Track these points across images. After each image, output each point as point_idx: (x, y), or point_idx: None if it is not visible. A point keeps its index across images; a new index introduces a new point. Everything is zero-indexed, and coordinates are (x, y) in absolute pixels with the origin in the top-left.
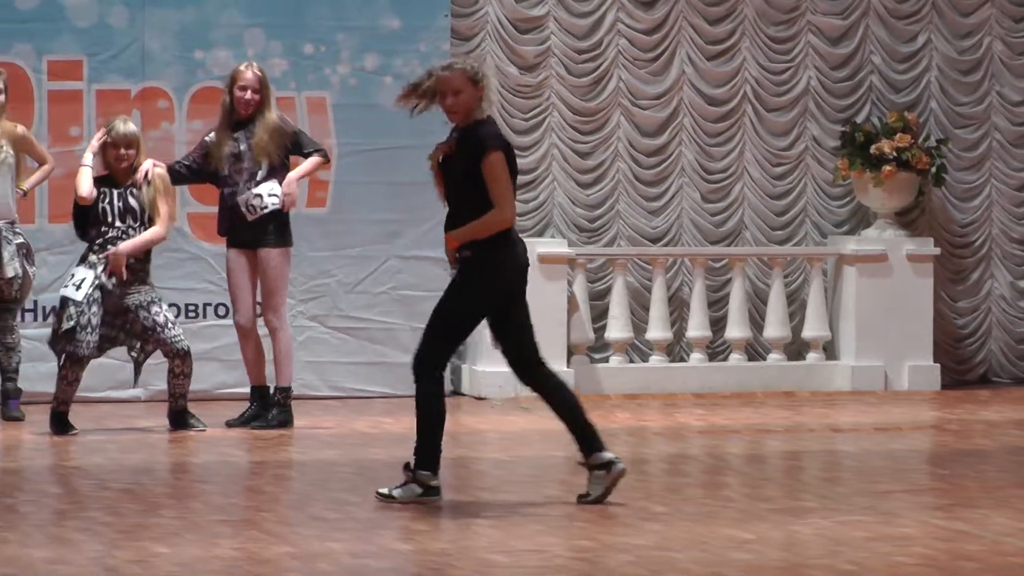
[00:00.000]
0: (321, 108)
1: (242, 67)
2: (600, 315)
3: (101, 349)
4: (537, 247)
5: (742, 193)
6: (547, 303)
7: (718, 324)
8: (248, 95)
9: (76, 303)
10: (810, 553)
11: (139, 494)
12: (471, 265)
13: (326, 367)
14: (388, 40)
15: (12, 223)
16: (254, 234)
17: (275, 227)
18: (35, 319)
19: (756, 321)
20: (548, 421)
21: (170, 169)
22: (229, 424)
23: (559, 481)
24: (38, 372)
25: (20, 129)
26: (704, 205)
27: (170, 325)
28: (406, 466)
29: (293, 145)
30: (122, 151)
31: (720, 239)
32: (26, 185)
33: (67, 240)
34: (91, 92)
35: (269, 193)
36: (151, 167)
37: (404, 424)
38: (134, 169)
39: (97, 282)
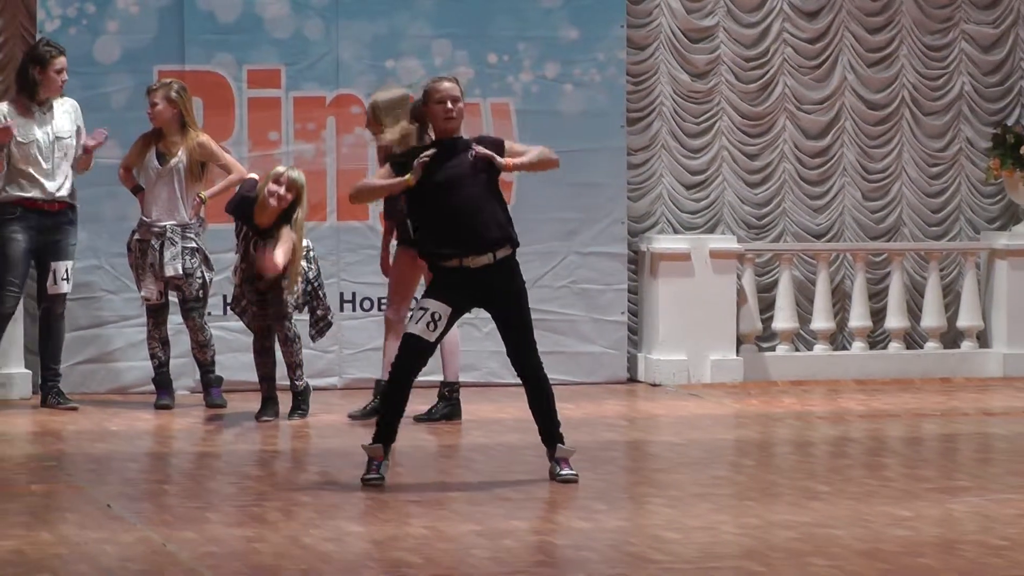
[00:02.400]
0: (504, 113)
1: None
2: (767, 306)
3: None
4: (708, 243)
5: (900, 192)
6: (718, 296)
7: (878, 315)
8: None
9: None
10: (964, 529)
11: (335, 477)
12: (514, 266)
13: None
14: (567, 50)
15: (182, 226)
16: None
17: None
18: (223, 313)
19: (914, 312)
20: (718, 406)
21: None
22: (352, 416)
23: (729, 462)
24: (238, 362)
25: (202, 138)
26: (864, 203)
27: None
28: (555, 450)
29: None
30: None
31: (880, 235)
32: (206, 193)
33: None
34: (288, 99)
35: None
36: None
37: (584, 409)
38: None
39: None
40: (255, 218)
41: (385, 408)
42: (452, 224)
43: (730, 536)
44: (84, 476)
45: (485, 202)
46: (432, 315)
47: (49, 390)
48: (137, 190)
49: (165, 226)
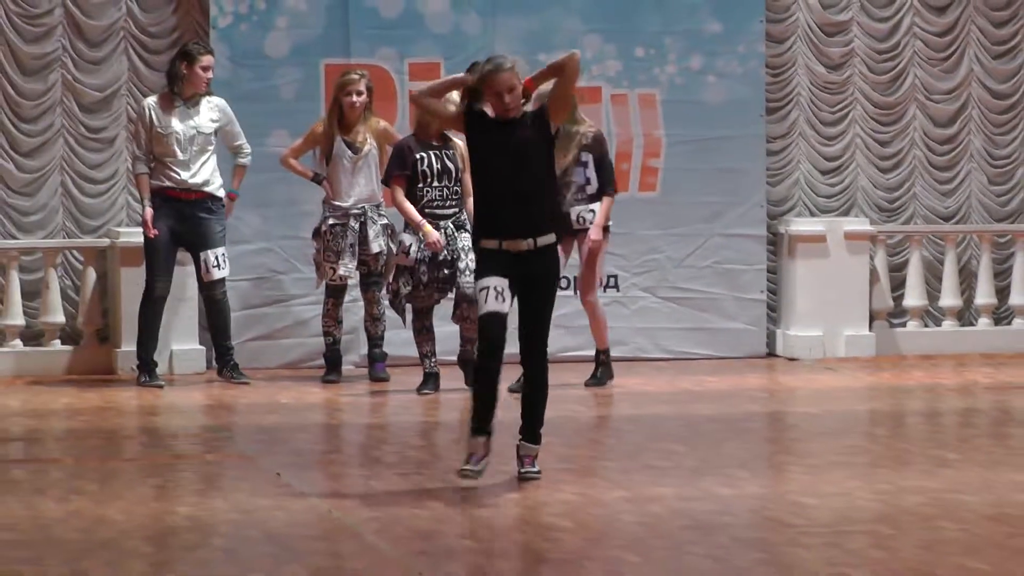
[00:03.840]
0: (651, 103)
1: None
2: (898, 285)
3: (434, 299)
4: (844, 225)
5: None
6: (852, 275)
7: (1003, 292)
8: None
9: (408, 269)
10: None
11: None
12: (554, 254)
13: (656, 332)
14: (710, 42)
15: (377, 206)
16: None
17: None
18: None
19: None
20: (852, 379)
21: None
22: (511, 390)
23: (862, 432)
24: (401, 338)
25: (383, 124)
26: (990, 187)
27: (467, 272)
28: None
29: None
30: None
31: (1004, 217)
32: None
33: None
34: None
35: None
36: None
37: (726, 383)
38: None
39: (422, 245)
40: None
41: (480, 400)
42: (498, 207)
43: (863, 501)
44: (255, 446)
45: (536, 188)
46: (495, 289)
47: (225, 363)
48: (318, 179)
49: (365, 207)
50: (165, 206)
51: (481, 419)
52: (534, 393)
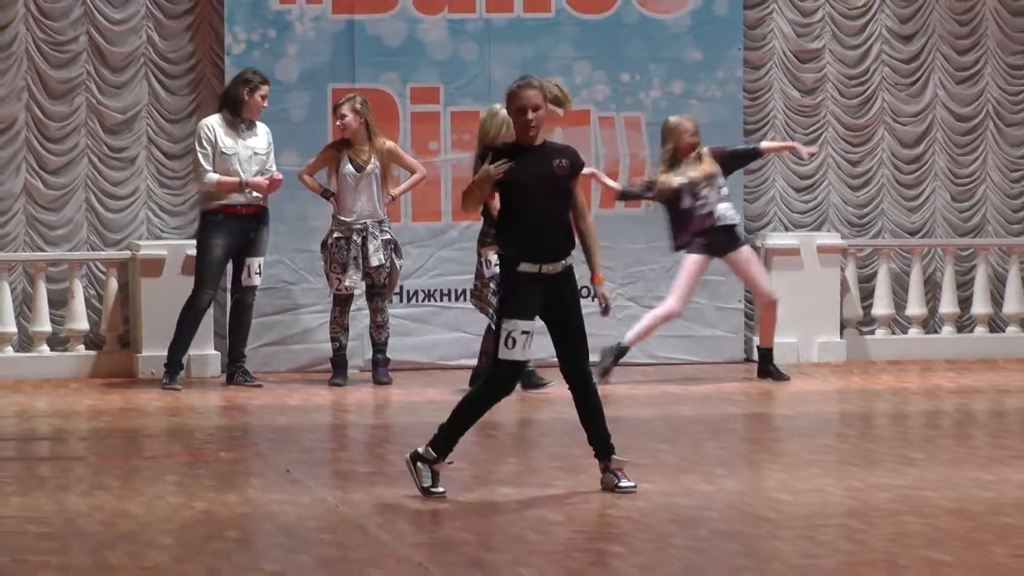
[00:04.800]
0: (637, 126)
1: None
2: (867, 295)
3: None
4: (816, 240)
5: (985, 194)
6: (824, 286)
7: (965, 302)
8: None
9: None
10: None
11: (489, 446)
12: (573, 273)
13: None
14: (692, 69)
15: (380, 222)
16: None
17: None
18: (401, 301)
19: (996, 299)
20: (824, 383)
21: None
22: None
23: (834, 433)
24: (404, 344)
25: (388, 144)
26: (954, 204)
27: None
28: (611, 461)
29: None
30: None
31: (967, 232)
32: (395, 191)
33: (428, 235)
34: (446, 113)
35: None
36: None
37: (707, 386)
38: None
39: None
40: None
41: (457, 425)
42: (534, 231)
43: (835, 497)
44: (267, 445)
45: (563, 210)
46: (524, 335)
47: (236, 369)
48: (327, 194)
49: (366, 223)
50: (227, 222)
51: (449, 444)
52: (596, 410)
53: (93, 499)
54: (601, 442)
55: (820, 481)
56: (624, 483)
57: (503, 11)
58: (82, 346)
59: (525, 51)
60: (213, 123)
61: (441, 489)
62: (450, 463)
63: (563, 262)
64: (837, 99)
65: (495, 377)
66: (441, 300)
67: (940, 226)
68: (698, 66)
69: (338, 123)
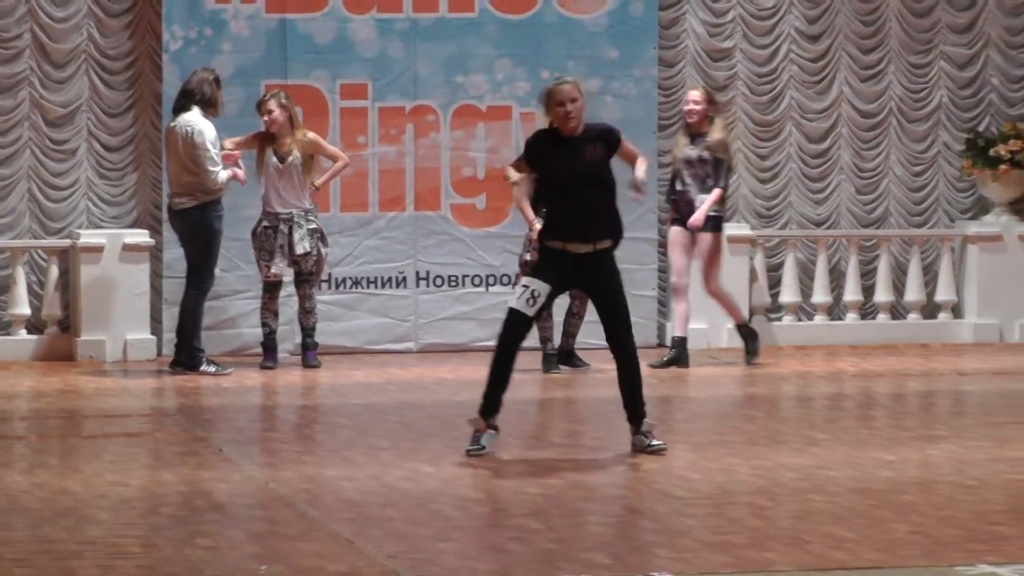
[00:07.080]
0: None
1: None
2: (775, 283)
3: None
4: (727, 230)
5: (887, 187)
6: (734, 274)
7: (868, 291)
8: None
9: None
10: (941, 471)
11: (411, 425)
12: (610, 256)
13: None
14: (609, 67)
15: (306, 211)
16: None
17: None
18: (330, 288)
19: (898, 288)
20: (732, 368)
21: None
22: (652, 366)
23: (742, 414)
24: (332, 329)
25: (310, 136)
26: (858, 196)
27: None
28: (642, 424)
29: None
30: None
31: (870, 223)
32: (319, 181)
33: (356, 225)
34: (374, 109)
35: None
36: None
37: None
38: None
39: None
40: None
41: (490, 382)
42: (564, 213)
43: (743, 476)
44: (200, 425)
45: (597, 197)
46: (532, 292)
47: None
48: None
49: (291, 212)
50: (223, 214)
51: (491, 404)
52: (633, 378)
53: (33, 477)
54: (635, 409)
55: (728, 460)
56: (654, 443)
57: (429, 11)
58: (24, 330)
59: (450, 48)
60: (211, 125)
61: (480, 446)
62: (495, 429)
63: (594, 245)
64: (747, 96)
65: (504, 322)
66: (368, 287)
67: (845, 218)
68: (614, 64)
69: (265, 118)
